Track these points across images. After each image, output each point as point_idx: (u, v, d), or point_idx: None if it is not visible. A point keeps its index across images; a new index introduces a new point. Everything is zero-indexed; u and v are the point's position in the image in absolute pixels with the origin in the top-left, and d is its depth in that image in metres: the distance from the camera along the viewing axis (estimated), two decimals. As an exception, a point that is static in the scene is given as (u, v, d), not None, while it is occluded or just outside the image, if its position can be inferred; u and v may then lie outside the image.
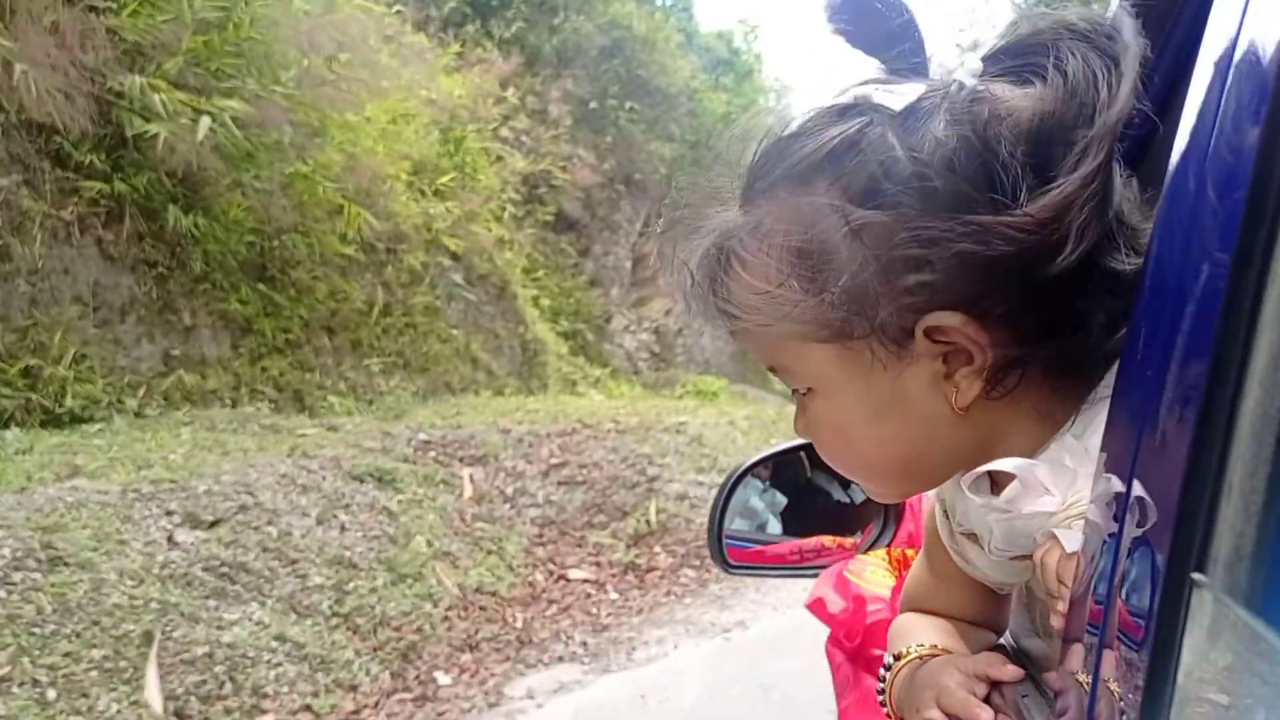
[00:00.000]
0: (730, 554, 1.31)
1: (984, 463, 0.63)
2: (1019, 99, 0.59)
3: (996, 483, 0.65)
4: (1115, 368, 0.58)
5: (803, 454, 1.36)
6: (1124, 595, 0.45)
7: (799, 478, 1.44)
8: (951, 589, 0.82)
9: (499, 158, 11.53)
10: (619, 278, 15.36)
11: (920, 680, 0.75)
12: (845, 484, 1.48)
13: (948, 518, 0.75)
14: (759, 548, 1.37)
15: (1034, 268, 0.58)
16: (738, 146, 0.69)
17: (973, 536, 0.72)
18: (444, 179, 9.52)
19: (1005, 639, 0.81)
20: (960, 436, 0.65)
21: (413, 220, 8.73)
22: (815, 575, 1.28)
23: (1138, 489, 0.45)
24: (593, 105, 13.77)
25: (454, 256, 9.39)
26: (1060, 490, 0.60)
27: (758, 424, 8.59)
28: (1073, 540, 0.55)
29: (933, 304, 0.60)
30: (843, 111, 0.63)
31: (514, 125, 12.38)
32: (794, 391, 0.71)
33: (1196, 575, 0.38)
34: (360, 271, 7.90)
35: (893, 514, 1.30)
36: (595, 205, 14.28)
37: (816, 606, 1.24)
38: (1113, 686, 0.46)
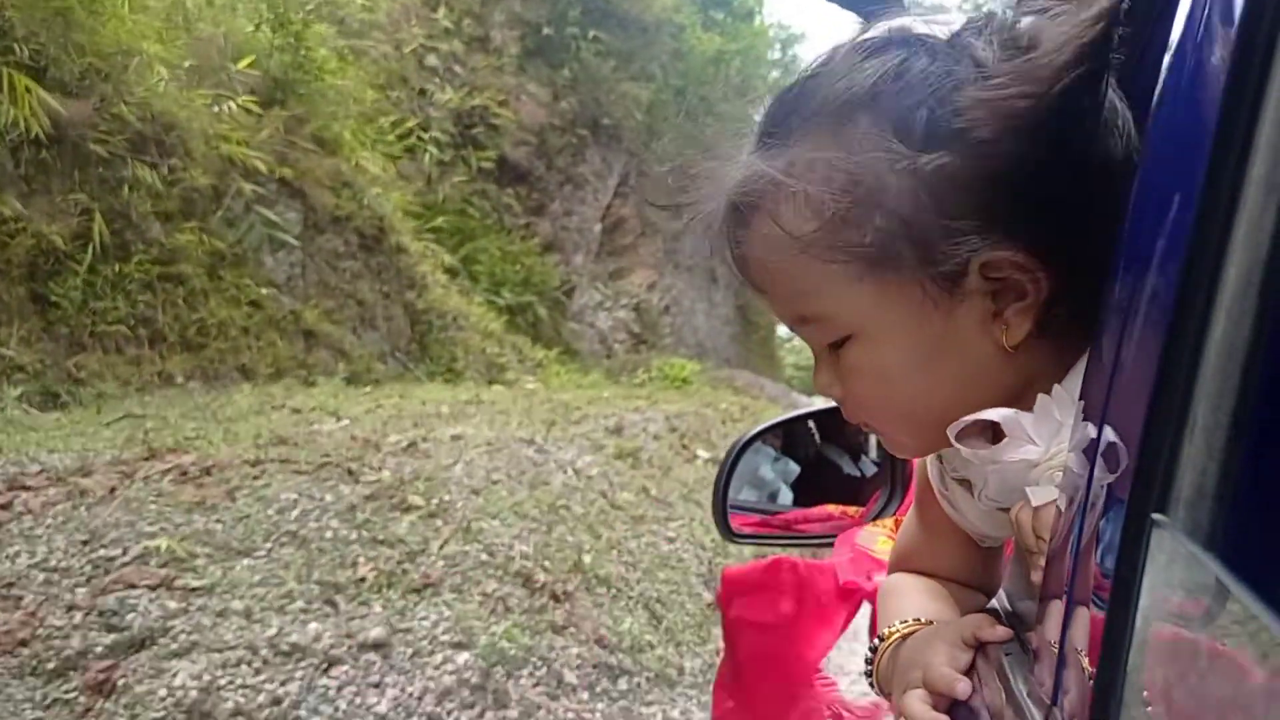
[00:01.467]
0: (734, 522, 1.31)
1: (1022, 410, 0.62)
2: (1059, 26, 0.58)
3: (999, 434, 0.65)
4: None
5: (811, 424, 1.35)
6: (1095, 545, 0.44)
7: (807, 449, 1.43)
8: (940, 544, 0.81)
9: (412, 83, 9.40)
10: (585, 243, 13.17)
11: (904, 657, 0.74)
12: (855, 456, 1.48)
13: (941, 461, 0.75)
14: (764, 516, 1.36)
15: (1075, 178, 0.57)
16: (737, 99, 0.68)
17: (965, 483, 0.71)
18: (243, 63, 6.58)
19: (999, 601, 0.80)
20: (1004, 380, 0.64)
21: (189, 125, 5.81)
22: (819, 543, 1.28)
23: (1109, 434, 0.44)
24: (547, 32, 11.33)
25: (285, 186, 6.60)
26: (1045, 440, 0.59)
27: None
28: (1043, 494, 0.55)
29: (988, 238, 0.59)
30: (877, 47, 0.62)
31: (443, 50, 10.34)
32: (823, 349, 0.68)
33: (1157, 516, 0.37)
34: (66, 187, 5.03)
35: (899, 483, 1.29)
36: (552, 154, 11.88)
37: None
38: (1079, 644, 0.46)
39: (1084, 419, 0.49)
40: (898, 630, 0.77)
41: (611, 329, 13.72)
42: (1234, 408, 0.35)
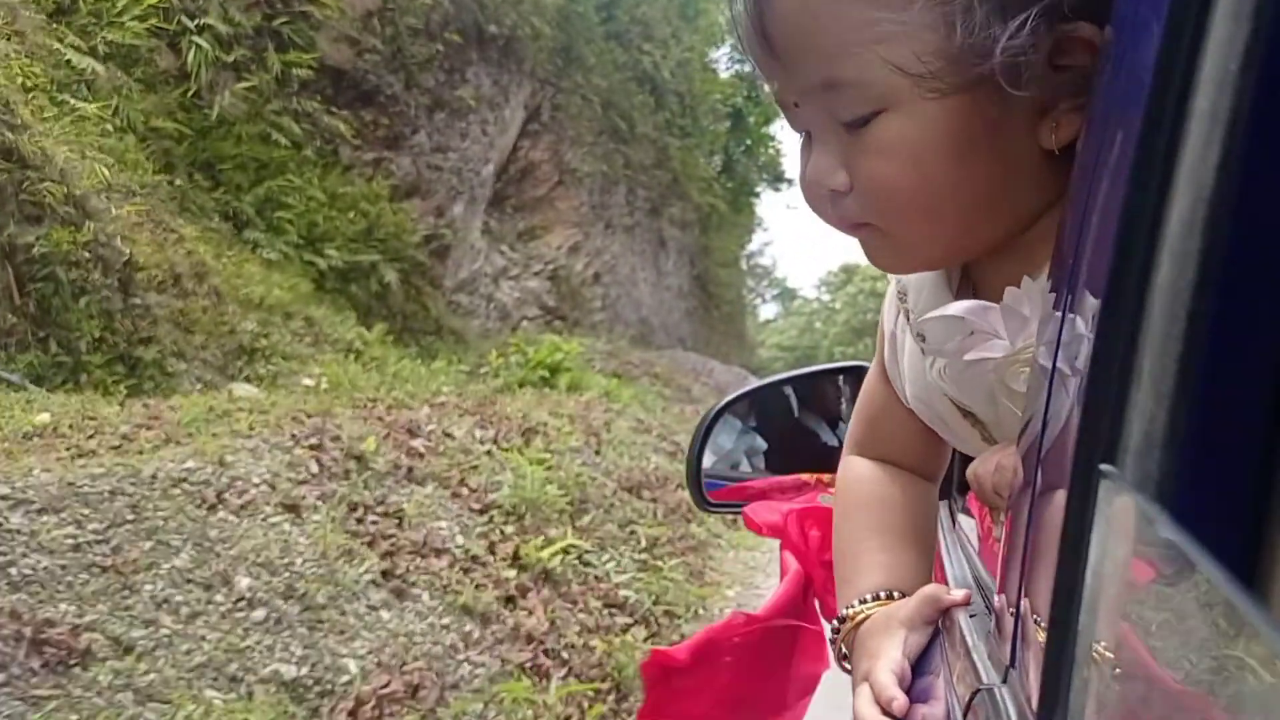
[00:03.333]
0: (710, 493, 1.30)
1: (1028, 242, 0.60)
2: None
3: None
4: None
5: (789, 390, 1.34)
6: (1048, 499, 0.43)
7: (786, 416, 1.42)
8: (891, 416, 0.80)
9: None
10: (470, 189, 10.08)
11: (859, 644, 0.73)
12: (833, 424, 1.46)
13: (903, 302, 0.72)
14: (738, 485, 1.35)
15: None
16: None
17: (919, 336, 0.68)
18: None
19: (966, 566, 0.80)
20: (1029, 198, 0.60)
21: None
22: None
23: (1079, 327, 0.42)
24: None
25: None
26: (1010, 336, 0.57)
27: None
28: (998, 453, 0.54)
29: (1064, 16, 0.54)
30: None
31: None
32: (836, 127, 0.61)
33: (1105, 466, 0.36)
34: None
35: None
36: (413, 68, 8.99)
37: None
38: (1036, 602, 0.45)
39: (1053, 310, 0.47)
40: (855, 613, 0.75)
41: (517, 302, 11.19)
42: (1181, 351, 0.33)
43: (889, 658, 0.66)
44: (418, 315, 9.00)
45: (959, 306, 0.59)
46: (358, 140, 8.55)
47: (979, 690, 0.52)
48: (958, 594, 0.67)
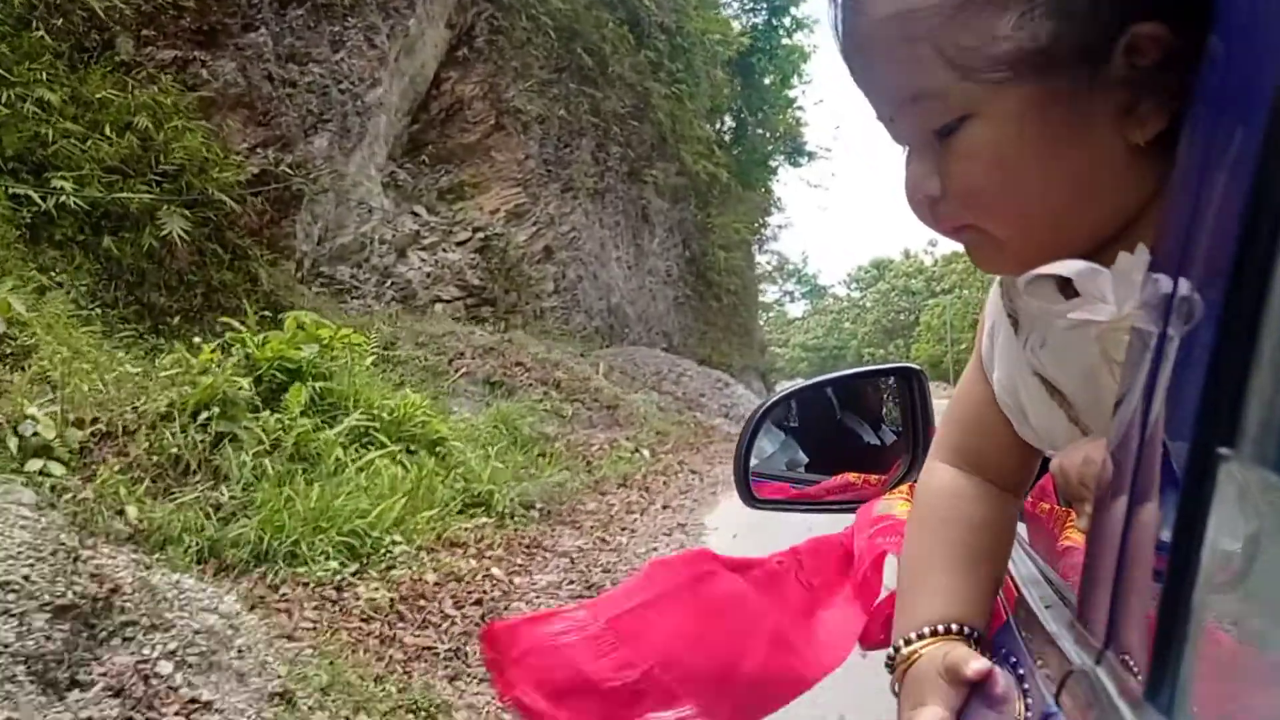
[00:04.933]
0: (756, 489, 1.33)
1: (1125, 241, 0.60)
2: None
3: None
4: None
5: (830, 392, 1.36)
6: (1154, 483, 0.44)
7: (828, 418, 1.44)
8: (983, 418, 0.79)
9: None
10: (343, 119, 7.23)
11: (908, 684, 0.75)
12: (875, 425, 1.48)
13: (1002, 293, 0.73)
14: (785, 484, 1.38)
15: None
16: None
17: (1016, 323, 0.70)
18: None
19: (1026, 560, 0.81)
20: (1122, 194, 0.61)
21: None
22: (840, 511, 1.28)
23: (1184, 288, 0.42)
24: None
25: None
26: (1118, 302, 0.57)
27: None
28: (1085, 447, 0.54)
29: (1139, 14, 0.55)
30: None
31: None
32: (927, 136, 0.64)
33: (1224, 449, 0.37)
34: None
35: (920, 451, 1.30)
36: None
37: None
38: (1137, 585, 0.46)
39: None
40: (909, 653, 0.76)
41: (429, 279, 8.25)
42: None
43: (931, 712, 0.69)
44: (235, 287, 6.33)
45: (1067, 266, 0.59)
46: (151, 30, 5.82)
47: (1071, 672, 0.54)
48: (978, 666, 0.68)
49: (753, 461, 1.30)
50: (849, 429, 1.43)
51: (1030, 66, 0.58)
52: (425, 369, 7.67)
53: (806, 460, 1.44)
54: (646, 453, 9.02)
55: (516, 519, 6.03)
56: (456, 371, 7.94)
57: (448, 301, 8.61)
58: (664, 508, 7.75)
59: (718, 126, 18.09)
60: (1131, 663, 0.45)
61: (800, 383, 1.40)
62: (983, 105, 0.60)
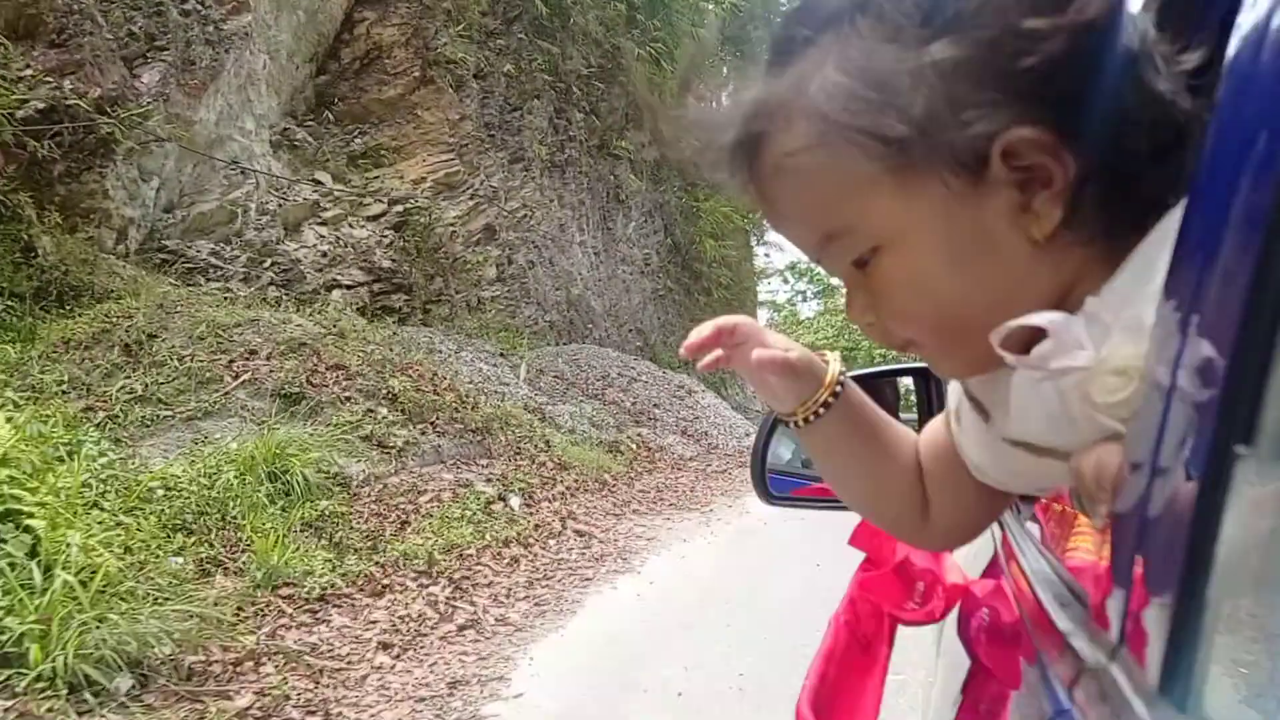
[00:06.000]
0: (773, 487, 1.36)
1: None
2: None
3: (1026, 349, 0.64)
4: (1167, 220, 0.56)
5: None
6: (1173, 483, 0.45)
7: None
8: (948, 477, 0.83)
9: None
10: (185, 51, 5.67)
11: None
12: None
13: (963, 384, 0.75)
14: (801, 481, 1.40)
15: (1094, 62, 0.57)
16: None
17: (978, 406, 0.72)
18: None
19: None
20: (1042, 283, 0.63)
21: None
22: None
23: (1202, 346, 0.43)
24: None
25: None
26: (1094, 345, 0.58)
27: None
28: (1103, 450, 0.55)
29: (1007, 122, 0.58)
30: None
31: None
32: (853, 273, 0.67)
33: (1240, 448, 0.38)
34: None
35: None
36: None
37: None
38: (1154, 579, 0.47)
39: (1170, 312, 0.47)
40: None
41: (327, 260, 6.69)
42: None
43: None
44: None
45: (1041, 317, 0.59)
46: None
47: (1084, 670, 0.55)
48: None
49: (770, 459, 1.34)
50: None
51: (914, 188, 0.61)
52: (187, 374, 5.66)
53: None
54: (515, 501, 6.62)
55: (71, 699, 3.06)
56: (236, 379, 5.84)
57: (348, 288, 6.90)
58: (462, 628, 4.50)
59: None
60: (1145, 661, 0.46)
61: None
62: (886, 233, 0.63)
